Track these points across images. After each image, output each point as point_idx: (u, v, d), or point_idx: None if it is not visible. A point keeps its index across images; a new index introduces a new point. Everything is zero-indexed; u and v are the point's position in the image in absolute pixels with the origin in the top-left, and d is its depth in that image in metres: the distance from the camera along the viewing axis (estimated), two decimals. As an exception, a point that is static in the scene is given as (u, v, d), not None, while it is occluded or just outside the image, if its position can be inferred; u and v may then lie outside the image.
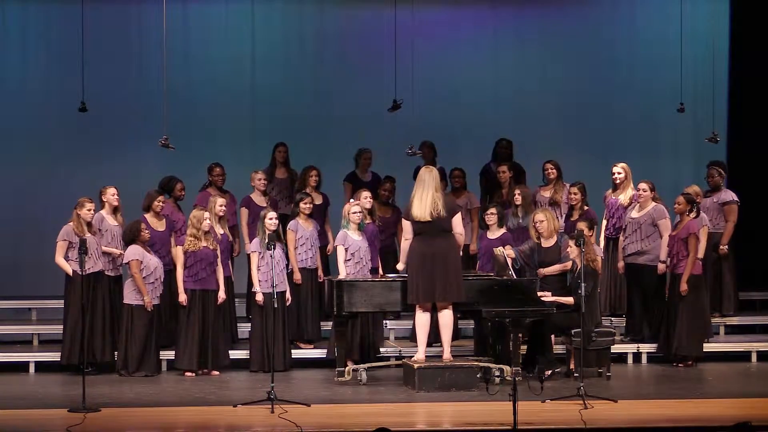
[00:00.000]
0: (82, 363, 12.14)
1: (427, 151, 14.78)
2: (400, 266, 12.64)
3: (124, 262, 13.04)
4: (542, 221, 12.97)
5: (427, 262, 12.09)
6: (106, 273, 13.17)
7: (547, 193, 14.43)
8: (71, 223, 13.00)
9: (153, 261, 12.97)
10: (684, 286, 13.24)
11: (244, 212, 14.19)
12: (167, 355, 13.21)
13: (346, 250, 12.98)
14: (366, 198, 13.47)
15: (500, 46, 16.55)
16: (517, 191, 13.99)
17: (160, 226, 13.48)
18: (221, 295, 13.08)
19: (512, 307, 12.30)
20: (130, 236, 12.95)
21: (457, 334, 13.71)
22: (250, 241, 13.82)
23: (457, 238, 12.32)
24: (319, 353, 13.51)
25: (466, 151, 15.57)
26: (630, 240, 13.71)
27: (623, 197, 13.97)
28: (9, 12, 16.13)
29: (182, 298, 12.86)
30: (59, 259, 12.98)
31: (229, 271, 13.74)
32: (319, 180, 14.24)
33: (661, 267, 13.58)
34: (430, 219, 12.09)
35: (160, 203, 13.46)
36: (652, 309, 13.72)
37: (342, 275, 12.82)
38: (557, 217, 13.52)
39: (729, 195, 14.35)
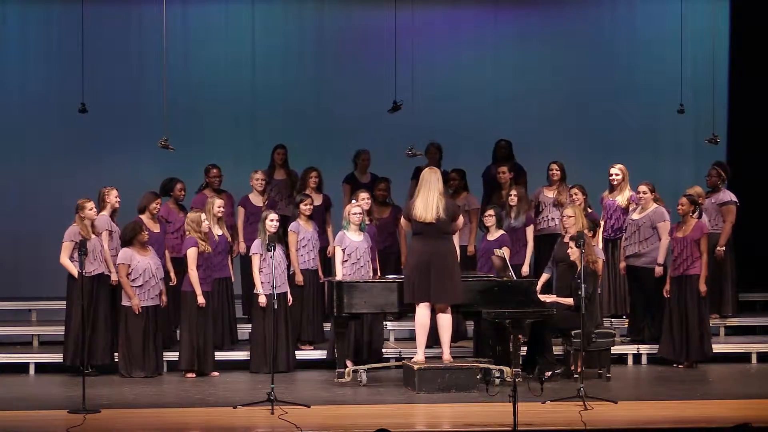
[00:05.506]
0: (83, 364, 12.13)
1: (433, 152, 14.70)
2: None
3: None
4: (570, 216, 12.94)
5: (425, 263, 12.07)
6: (106, 273, 13.12)
7: (550, 194, 14.38)
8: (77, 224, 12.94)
9: (143, 263, 12.85)
10: (704, 287, 13.24)
11: (240, 211, 14.19)
12: (169, 356, 13.18)
13: (344, 251, 12.96)
14: (364, 199, 13.45)
15: (501, 46, 16.53)
16: (513, 192, 13.96)
17: (155, 227, 13.44)
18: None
19: (512, 308, 12.30)
20: (130, 236, 12.90)
21: (463, 335, 13.72)
22: (244, 241, 13.83)
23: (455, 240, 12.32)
24: (319, 354, 13.50)
25: (466, 152, 15.53)
26: (629, 242, 13.70)
27: (620, 198, 13.96)
28: (9, 12, 16.12)
29: (201, 300, 12.78)
30: (64, 260, 12.88)
31: (229, 272, 13.72)
32: (320, 181, 14.22)
33: (657, 270, 13.57)
34: (433, 221, 12.09)
35: (157, 206, 13.43)
36: (654, 311, 13.71)
37: (338, 276, 12.81)
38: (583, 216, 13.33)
39: (727, 196, 14.32)
